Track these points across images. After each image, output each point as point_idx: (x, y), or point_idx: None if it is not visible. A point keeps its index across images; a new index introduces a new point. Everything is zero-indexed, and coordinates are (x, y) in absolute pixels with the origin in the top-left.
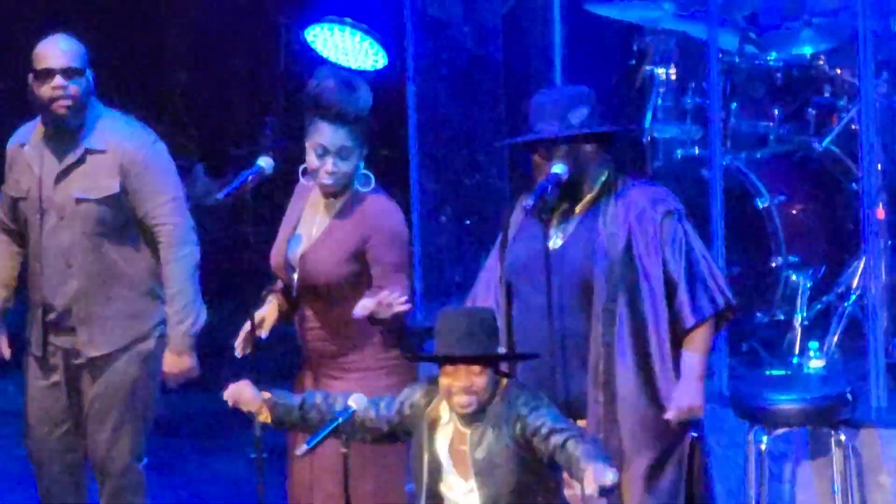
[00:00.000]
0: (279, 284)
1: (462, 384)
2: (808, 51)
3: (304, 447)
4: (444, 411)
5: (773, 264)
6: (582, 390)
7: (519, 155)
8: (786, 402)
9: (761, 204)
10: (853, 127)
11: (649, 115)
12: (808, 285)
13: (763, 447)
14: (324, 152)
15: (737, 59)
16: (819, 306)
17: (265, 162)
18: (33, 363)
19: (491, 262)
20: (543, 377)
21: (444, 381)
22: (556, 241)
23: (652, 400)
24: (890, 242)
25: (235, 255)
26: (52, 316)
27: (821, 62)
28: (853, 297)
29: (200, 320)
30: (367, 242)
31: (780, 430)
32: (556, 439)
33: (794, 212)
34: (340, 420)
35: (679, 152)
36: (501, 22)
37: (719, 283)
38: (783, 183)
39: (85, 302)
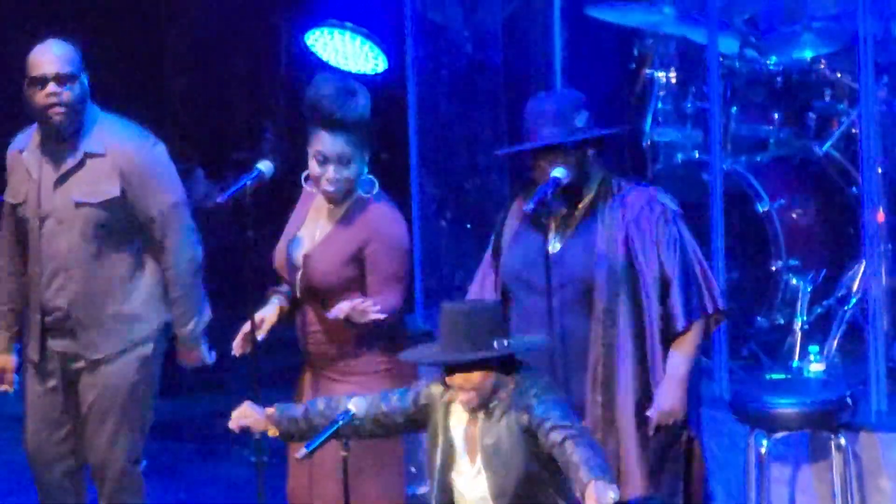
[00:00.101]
0: (284, 286)
1: (458, 383)
2: (808, 55)
3: (304, 451)
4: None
5: (774, 268)
6: (582, 392)
7: (519, 158)
8: (786, 406)
9: (761, 208)
10: (853, 131)
11: (649, 119)
12: (809, 289)
13: (763, 451)
14: (324, 160)
15: (737, 63)
16: (819, 310)
17: (265, 166)
18: (31, 368)
19: (484, 268)
20: None
21: (445, 378)
22: (555, 245)
23: (650, 400)
24: (890, 246)
25: (235, 259)
26: (50, 320)
27: (821, 66)
28: (853, 301)
29: (205, 316)
30: (365, 248)
31: (781, 434)
32: (555, 436)
33: (794, 216)
34: (340, 423)
35: (679, 156)
36: (501, 26)
37: (712, 286)
38: (783, 187)
39: (86, 305)
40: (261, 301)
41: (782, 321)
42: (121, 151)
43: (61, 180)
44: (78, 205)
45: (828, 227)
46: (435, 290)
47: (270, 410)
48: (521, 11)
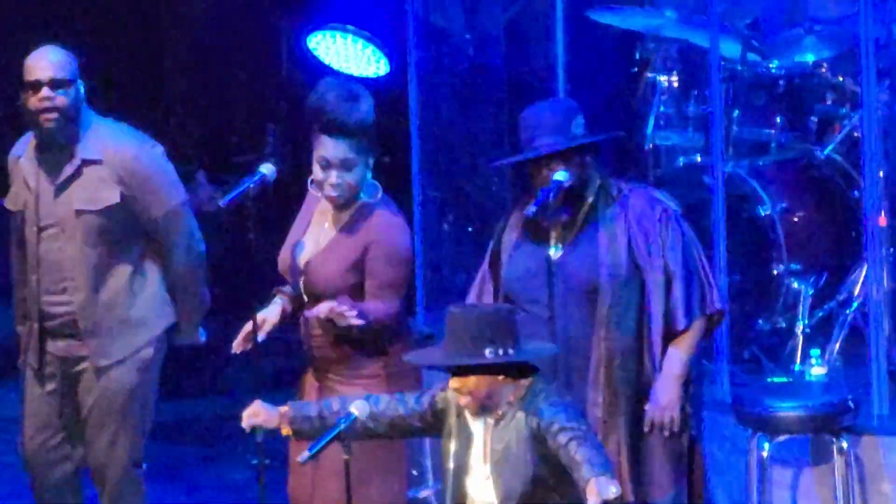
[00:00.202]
0: (289, 286)
1: (455, 386)
2: (810, 58)
3: (306, 454)
4: None
5: (775, 272)
6: (582, 393)
7: (520, 165)
8: (788, 410)
9: (763, 211)
10: (855, 135)
11: (651, 123)
12: (810, 293)
13: (765, 454)
14: (327, 164)
15: (739, 67)
16: (821, 314)
17: (267, 169)
18: (29, 372)
19: (481, 281)
20: None
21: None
22: (557, 251)
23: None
24: (892, 250)
25: (237, 262)
26: (52, 325)
27: (823, 70)
28: (855, 305)
29: (205, 305)
30: (367, 254)
31: (782, 438)
32: (561, 438)
33: (795, 219)
34: (342, 427)
35: (681, 160)
36: (503, 29)
37: (713, 286)
38: (785, 190)
39: (93, 312)
40: (263, 303)
41: (784, 325)
42: (118, 157)
43: (61, 189)
44: (79, 213)
45: (829, 230)
46: (436, 292)
47: (284, 409)
48: (523, 15)
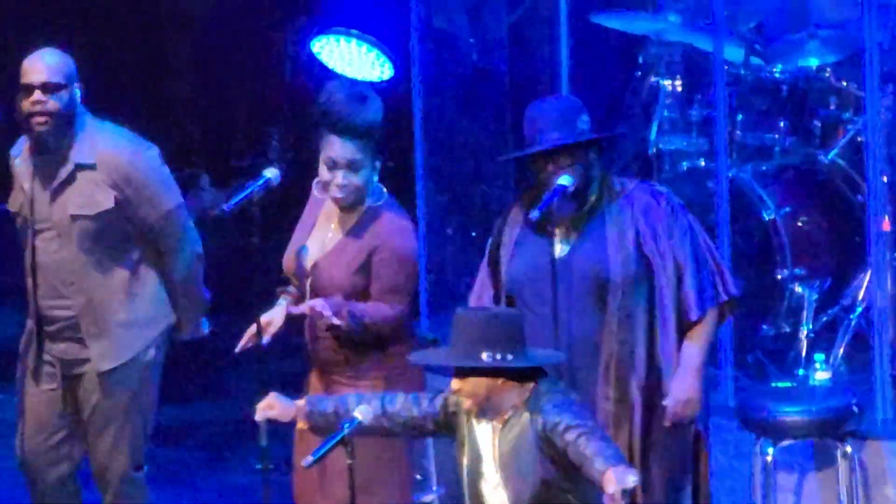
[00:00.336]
0: (293, 289)
1: (455, 387)
2: (813, 63)
3: (310, 458)
4: None
5: (779, 276)
6: (590, 390)
7: (524, 165)
8: (792, 414)
9: (767, 216)
10: (859, 139)
11: (655, 127)
12: (814, 297)
13: (769, 459)
14: (334, 165)
15: (742, 71)
16: (825, 318)
17: (271, 173)
18: (29, 373)
19: (481, 282)
20: None
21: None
22: (562, 250)
23: (663, 394)
24: None
25: (240, 266)
26: (52, 329)
27: (827, 74)
28: (859, 310)
29: (206, 303)
30: (373, 256)
31: (786, 442)
32: (569, 436)
33: (799, 224)
34: (346, 431)
35: (685, 164)
36: (507, 33)
37: (724, 274)
38: (789, 195)
39: (93, 315)
40: (266, 307)
41: (788, 329)
42: (112, 161)
43: (56, 193)
44: (74, 217)
45: (833, 235)
46: (440, 297)
47: (301, 403)
48: (527, 19)
